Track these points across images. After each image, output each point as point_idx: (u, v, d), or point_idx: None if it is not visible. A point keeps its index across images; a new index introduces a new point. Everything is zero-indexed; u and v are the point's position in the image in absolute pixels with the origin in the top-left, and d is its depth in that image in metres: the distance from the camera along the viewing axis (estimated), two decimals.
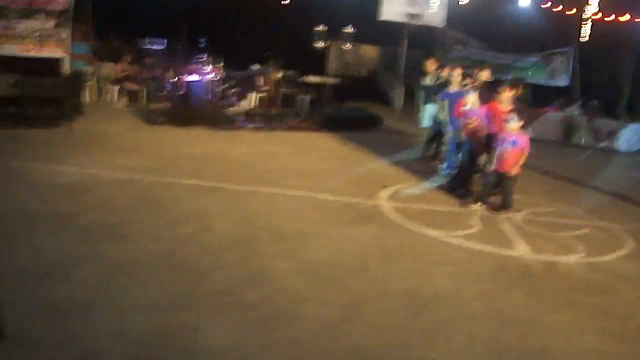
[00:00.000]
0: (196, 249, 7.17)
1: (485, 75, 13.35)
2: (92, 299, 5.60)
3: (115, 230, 7.50)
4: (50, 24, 14.92)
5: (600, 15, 19.99)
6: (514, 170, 10.09)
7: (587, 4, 15.69)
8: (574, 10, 21.27)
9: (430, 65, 14.62)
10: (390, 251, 7.88)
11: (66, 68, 15.39)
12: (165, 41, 21.41)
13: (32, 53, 14.85)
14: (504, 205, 10.29)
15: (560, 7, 21.47)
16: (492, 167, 10.21)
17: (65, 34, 15.02)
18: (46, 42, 14.96)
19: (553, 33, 26.15)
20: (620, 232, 9.98)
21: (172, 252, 6.96)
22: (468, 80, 12.41)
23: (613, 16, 19.48)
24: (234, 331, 5.30)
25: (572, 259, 8.39)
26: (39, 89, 13.96)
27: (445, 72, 13.82)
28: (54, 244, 6.91)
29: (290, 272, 6.75)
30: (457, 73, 12.88)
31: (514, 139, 10.02)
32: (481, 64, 26.43)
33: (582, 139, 22.07)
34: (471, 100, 11.32)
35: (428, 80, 14.44)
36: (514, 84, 11.90)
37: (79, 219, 7.84)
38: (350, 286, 6.57)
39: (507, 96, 11.00)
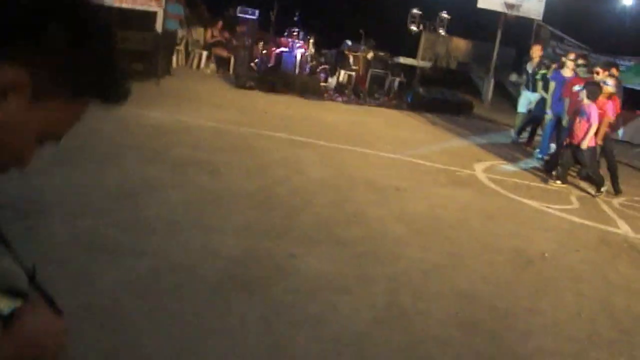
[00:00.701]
0: (289, 189, 6.85)
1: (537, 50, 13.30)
2: (180, 220, 5.34)
3: (206, 166, 7.22)
4: None
5: None
6: (586, 143, 9.57)
7: None
8: None
9: (536, 51, 14.15)
10: (491, 212, 7.43)
11: (159, 25, 15.14)
12: (257, 11, 21.17)
13: (125, 5, 14.62)
14: (593, 180, 9.80)
15: None
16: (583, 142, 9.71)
17: None
18: None
19: None
20: None
21: (263, 189, 6.65)
22: (581, 62, 11.83)
23: None
24: (331, 262, 4.96)
25: None
26: (128, 43, 13.81)
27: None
28: (143, 171, 6.69)
29: (388, 218, 6.38)
30: (571, 57, 12.46)
31: (584, 109, 9.57)
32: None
33: None
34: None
35: (530, 67, 13.97)
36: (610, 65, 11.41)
37: (168, 153, 7.62)
38: (451, 237, 6.17)
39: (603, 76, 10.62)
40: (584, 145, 9.58)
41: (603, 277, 5.93)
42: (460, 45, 29.49)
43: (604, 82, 10.16)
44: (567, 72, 11.98)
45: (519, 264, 5.81)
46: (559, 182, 9.90)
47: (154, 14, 14.93)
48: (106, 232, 4.81)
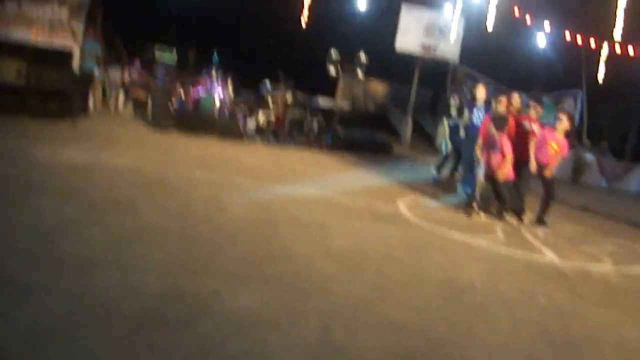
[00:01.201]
0: (212, 227, 6.61)
1: (481, 91, 13.11)
2: (98, 258, 5.07)
3: (125, 205, 6.95)
4: (64, 13, 14.37)
5: (619, 49, 19.57)
6: (502, 175, 9.74)
7: (611, 34, 15.24)
8: (593, 43, 20.84)
9: (455, 97, 14.29)
10: (417, 245, 7.37)
11: (76, 63, 14.82)
12: (175, 51, 21.02)
13: (42, 39, 14.28)
14: (514, 210, 10.05)
15: (580, 38, 21.01)
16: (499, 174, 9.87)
17: (76, 27, 14.44)
18: (57, 30, 14.38)
19: (565, 72, 26.12)
20: None
21: (185, 228, 6.41)
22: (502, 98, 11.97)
23: (632, 50, 19.03)
24: (259, 298, 4.76)
25: (602, 267, 8.04)
26: (44, 81, 13.48)
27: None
28: (59, 210, 6.38)
29: (315, 254, 6.20)
30: (481, 91, 12.67)
31: (495, 142, 9.84)
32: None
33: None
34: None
35: (450, 110, 14.14)
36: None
37: (85, 193, 7.33)
38: (379, 270, 6.04)
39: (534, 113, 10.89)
40: (500, 177, 9.71)
41: (535, 302, 5.93)
42: (378, 88, 29.80)
43: (559, 119, 10.48)
44: (478, 104, 12.26)
45: (450, 293, 5.72)
46: (482, 214, 9.98)
47: (70, 52, 14.60)
48: (20, 272, 4.52)
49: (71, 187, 7.55)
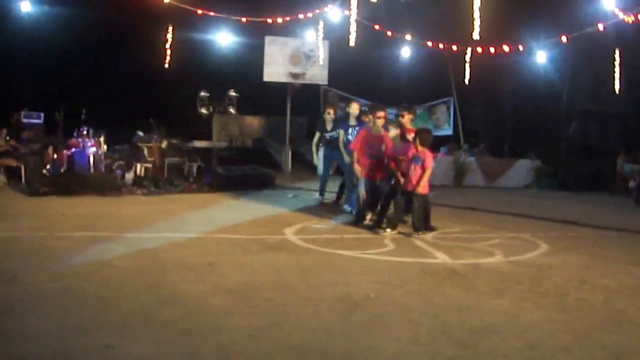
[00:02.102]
0: (97, 282, 6.47)
1: (355, 107, 13.91)
2: None
3: (2, 275, 6.68)
4: None
5: (480, 49, 20.33)
6: (419, 189, 9.91)
7: (470, 37, 15.84)
8: (455, 47, 21.56)
9: (329, 111, 14.47)
10: (307, 268, 7.44)
11: None
12: (43, 115, 20.49)
13: None
14: (415, 227, 10.10)
15: (441, 45, 21.70)
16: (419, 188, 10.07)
17: None
18: None
19: (434, 81, 26.89)
20: (531, 238, 10.34)
21: (69, 288, 6.22)
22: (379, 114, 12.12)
23: (493, 49, 19.79)
24: (152, 344, 4.69)
25: (493, 259, 8.41)
26: None
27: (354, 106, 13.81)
28: None
29: (204, 293, 6.17)
30: (355, 107, 12.94)
31: (419, 155, 9.95)
32: None
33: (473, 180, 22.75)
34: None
35: (325, 125, 14.30)
36: (407, 108, 11.89)
37: None
38: (271, 298, 6.06)
39: (408, 119, 11.08)
40: (419, 190, 9.87)
41: (432, 303, 6.10)
42: (253, 122, 29.92)
43: (387, 129, 11.11)
44: (351, 122, 12.86)
45: (345, 308, 5.80)
46: (389, 230, 10.13)
47: None
48: None
49: None
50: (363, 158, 11.13)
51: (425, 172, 9.92)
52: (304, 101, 26.48)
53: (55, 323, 5.12)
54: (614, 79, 19.93)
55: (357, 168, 11.22)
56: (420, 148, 10.09)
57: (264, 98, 26.52)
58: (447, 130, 28.34)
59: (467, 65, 22.15)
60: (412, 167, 10.07)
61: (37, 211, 11.95)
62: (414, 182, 9.99)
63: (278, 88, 25.01)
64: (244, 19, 19.05)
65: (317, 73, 24.13)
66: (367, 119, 12.49)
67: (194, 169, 19.98)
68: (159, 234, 9.60)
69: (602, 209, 17.01)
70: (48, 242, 8.64)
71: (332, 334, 5.05)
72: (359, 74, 26.80)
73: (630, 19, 14.53)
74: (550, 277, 7.46)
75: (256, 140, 29.40)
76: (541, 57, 22.38)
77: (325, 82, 25.39)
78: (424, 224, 10.22)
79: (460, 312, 5.79)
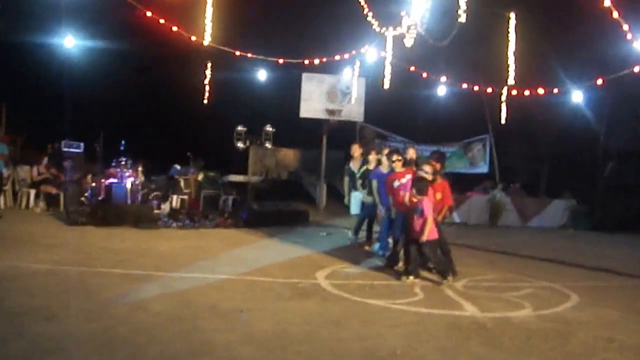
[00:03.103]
0: (131, 326, 6.64)
1: (411, 153, 13.27)
2: None
3: (43, 312, 6.92)
4: None
5: (515, 92, 20.45)
6: (425, 237, 10.04)
7: (505, 82, 16.00)
8: (490, 90, 21.71)
9: (355, 150, 14.71)
10: (337, 319, 7.52)
11: None
12: (83, 144, 20.98)
13: None
14: (439, 269, 10.24)
15: (477, 87, 21.87)
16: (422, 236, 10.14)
17: None
18: None
19: (472, 119, 26.94)
20: (562, 289, 10.20)
21: (105, 330, 6.43)
22: (395, 157, 12.22)
23: (528, 92, 19.89)
24: None
25: (522, 313, 8.37)
26: None
27: (372, 156, 13.83)
28: None
29: (235, 342, 6.31)
30: (385, 153, 12.97)
31: (417, 205, 10.18)
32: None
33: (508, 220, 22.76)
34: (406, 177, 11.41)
35: (353, 166, 14.45)
36: (438, 158, 11.98)
37: (2, 303, 7.29)
38: (301, 350, 6.17)
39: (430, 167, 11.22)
40: (424, 239, 9.96)
41: None
42: (289, 155, 30.21)
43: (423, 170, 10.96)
44: (384, 169, 12.58)
45: None
46: (411, 277, 10.18)
47: None
48: None
49: None
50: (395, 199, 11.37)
51: (426, 221, 10.01)
52: (339, 136, 26.67)
53: None
54: None
55: (394, 210, 11.41)
56: (418, 197, 10.21)
57: (300, 132, 26.77)
58: (483, 168, 28.39)
59: (504, 105, 22.24)
60: (415, 217, 10.20)
61: (76, 242, 12.30)
62: (418, 232, 10.11)
63: (314, 122, 25.28)
64: (280, 61, 19.29)
65: (353, 110, 24.38)
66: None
67: (230, 202, 20.25)
68: (193, 274, 9.81)
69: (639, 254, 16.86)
70: (86, 279, 8.90)
71: None
72: (395, 111, 26.98)
73: None
74: (578, 333, 7.43)
75: (291, 173, 29.65)
76: (578, 97, 22.38)
77: (361, 119, 25.65)
78: (448, 267, 10.34)
79: None
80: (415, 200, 10.30)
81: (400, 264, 11.02)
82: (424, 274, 10.55)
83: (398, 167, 11.86)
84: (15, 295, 7.67)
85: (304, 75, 23.97)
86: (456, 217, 22.19)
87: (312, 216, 19.99)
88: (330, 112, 24.24)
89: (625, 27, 13.14)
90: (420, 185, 10.38)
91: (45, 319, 6.69)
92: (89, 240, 12.74)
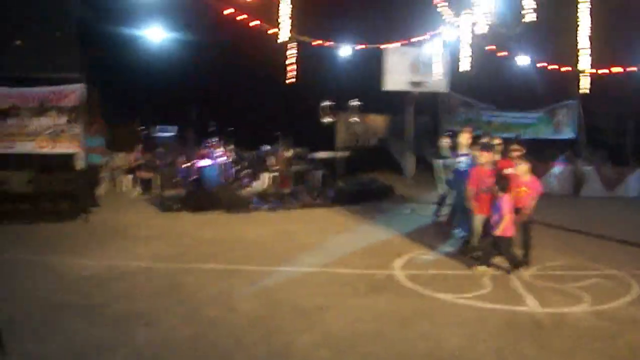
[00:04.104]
0: (221, 330, 7.47)
1: (465, 136, 13.44)
2: None
3: (142, 318, 7.83)
4: (63, 120, 15.26)
5: (594, 70, 20.47)
6: (503, 233, 10.45)
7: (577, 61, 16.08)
8: (570, 68, 21.78)
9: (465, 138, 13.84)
10: (405, 317, 8.17)
11: (80, 162, 15.75)
12: (176, 127, 21.98)
13: (46, 150, 15.25)
14: (512, 264, 10.65)
15: (557, 66, 21.98)
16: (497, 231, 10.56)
17: (78, 129, 15.31)
18: (60, 138, 15.26)
19: (554, 88, 26.75)
20: (627, 278, 10.39)
21: (198, 336, 7.27)
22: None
23: (607, 70, 19.96)
24: None
25: (579, 308, 8.73)
26: (53, 185, 14.51)
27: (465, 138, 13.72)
28: (86, 332, 7.29)
29: (312, 344, 7.05)
30: (464, 137, 13.22)
31: (497, 203, 10.55)
32: (486, 124, 27.31)
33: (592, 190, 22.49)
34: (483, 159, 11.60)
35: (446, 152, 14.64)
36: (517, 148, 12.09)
37: (107, 308, 8.23)
38: (370, 351, 6.88)
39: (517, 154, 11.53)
40: (498, 233, 10.40)
41: None
42: (377, 120, 30.47)
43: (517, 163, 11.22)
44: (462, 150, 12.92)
45: None
46: (484, 267, 10.66)
47: (74, 154, 15.52)
48: None
49: (93, 302, 8.46)
50: (475, 192, 11.57)
51: (503, 218, 10.41)
52: (424, 102, 26.83)
53: None
54: None
55: (472, 204, 11.68)
56: (499, 194, 10.58)
57: (387, 98, 26.98)
58: (569, 134, 28.11)
59: (587, 78, 22.15)
60: (495, 213, 10.59)
61: (170, 233, 13.37)
62: (495, 227, 10.53)
63: (398, 91, 25.48)
64: (362, 46, 19.81)
65: (438, 81, 24.38)
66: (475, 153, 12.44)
67: (319, 177, 20.90)
68: (279, 267, 10.61)
69: None
70: (181, 277, 9.82)
71: None
72: (479, 78, 26.97)
73: None
74: (626, 334, 7.72)
75: (380, 139, 29.97)
76: None
77: (446, 90, 25.67)
78: (520, 261, 10.79)
79: None
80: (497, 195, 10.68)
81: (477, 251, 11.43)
82: (496, 260, 10.94)
83: (483, 159, 11.70)
84: (118, 299, 8.61)
85: (387, 48, 24.08)
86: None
87: (399, 188, 20.53)
88: (415, 84, 24.34)
89: None
90: (503, 184, 10.77)
91: (145, 324, 7.60)
92: (183, 229, 13.73)
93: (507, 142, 12.85)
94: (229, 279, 9.76)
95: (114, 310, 8.15)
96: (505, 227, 10.42)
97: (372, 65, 24.58)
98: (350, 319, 7.99)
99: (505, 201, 10.47)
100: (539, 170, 20.86)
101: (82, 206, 14.72)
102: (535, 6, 13.12)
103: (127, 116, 22.70)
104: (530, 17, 13.22)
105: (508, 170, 11.20)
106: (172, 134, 22.19)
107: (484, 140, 12.70)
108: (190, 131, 21.55)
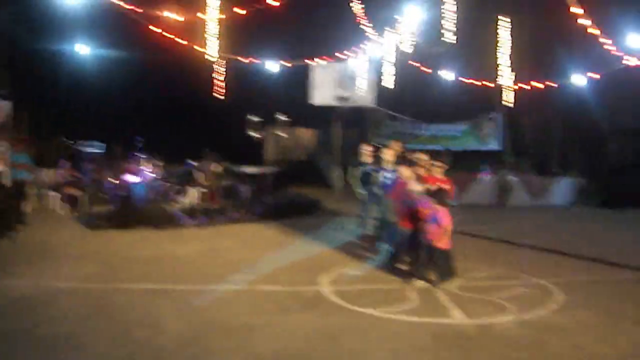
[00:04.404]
0: (150, 353, 7.53)
1: (396, 146, 13.98)
2: None
3: (73, 340, 7.81)
4: None
5: (517, 86, 21.28)
6: (439, 244, 10.80)
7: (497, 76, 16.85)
8: (493, 84, 22.55)
9: (393, 149, 14.44)
10: (333, 333, 8.35)
11: (6, 180, 15.60)
12: (103, 144, 21.94)
13: None
14: (445, 277, 10.99)
15: (480, 82, 22.73)
16: (424, 242, 10.92)
17: (3, 146, 15.19)
18: None
19: (480, 102, 27.57)
20: (552, 286, 10.95)
21: (129, 357, 7.32)
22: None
23: (529, 86, 20.77)
24: None
25: (505, 319, 9.10)
26: None
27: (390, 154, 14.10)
28: (11, 358, 7.25)
29: None
30: (387, 153, 13.59)
31: (434, 215, 10.87)
32: (413, 137, 27.97)
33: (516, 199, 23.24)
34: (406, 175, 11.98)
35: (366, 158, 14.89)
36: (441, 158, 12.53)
37: (35, 331, 8.15)
38: None
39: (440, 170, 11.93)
40: (439, 245, 10.76)
41: None
42: (306, 134, 30.98)
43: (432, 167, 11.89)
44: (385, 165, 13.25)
45: None
46: (419, 281, 10.99)
47: (0, 171, 15.39)
48: None
49: (16, 327, 8.34)
50: (399, 206, 11.87)
51: (442, 229, 10.77)
52: (352, 117, 27.34)
53: None
54: None
55: (396, 218, 11.98)
56: (437, 207, 10.94)
57: (314, 114, 27.43)
58: (494, 145, 28.98)
59: (512, 92, 22.96)
60: (430, 225, 10.91)
61: (98, 252, 13.31)
62: (432, 238, 10.86)
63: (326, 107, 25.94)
64: (289, 64, 20.16)
65: (363, 96, 24.92)
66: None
67: (247, 193, 21.08)
68: (207, 286, 10.70)
69: None
70: (109, 298, 9.82)
71: None
72: (405, 93, 27.56)
73: None
74: (550, 342, 8.14)
75: (309, 154, 30.35)
76: (582, 81, 22.96)
77: (372, 105, 26.26)
78: (452, 274, 11.13)
79: None
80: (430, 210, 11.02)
81: (403, 265, 11.75)
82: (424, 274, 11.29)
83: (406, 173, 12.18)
84: (46, 322, 8.56)
85: (314, 64, 24.50)
86: (465, 198, 22.87)
87: (327, 202, 20.82)
88: (341, 99, 24.85)
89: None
90: (440, 196, 11.12)
91: (74, 348, 7.59)
92: (112, 248, 13.73)
93: (436, 154, 13.36)
94: (159, 299, 9.80)
95: (43, 333, 8.11)
96: (445, 240, 10.82)
97: (300, 80, 24.98)
98: (279, 338, 8.14)
99: (444, 214, 10.82)
100: (464, 180, 21.62)
101: (9, 224, 14.55)
102: (454, 29, 13.61)
103: (54, 132, 22.54)
104: (449, 38, 13.71)
105: (446, 185, 11.62)
106: (99, 150, 22.07)
107: (408, 155, 13.08)
108: (118, 147, 21.45)
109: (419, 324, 8.83)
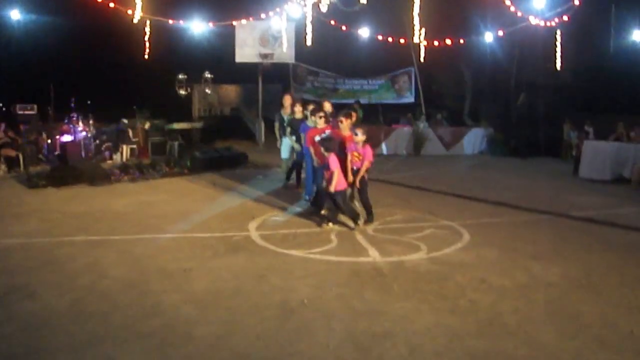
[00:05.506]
0: (98, 296, 8.29)
1: (327, 106, 14.74)
2: (17, 351, 6.62)
3: (24, 290, 8.45)
4: None
5: (426, 43, 22.35)
6: (333, 188, 11.82)
7: (412, 34, 17.88)
8: (404, 41, 23.64)
9: (287, 100, 16.28)
10: (261, 273, 9.26)
11: None
12: (36, 106, 22.31)
13: None
14: (350, 217, 12.10)
15: (391, 39, 23.85)
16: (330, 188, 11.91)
17: None
18: None
19: (396, 57, 28.55)
20: (459, 227, 12.22)
21: (77, 302, 8.02)
22: (319, 114, 13.38)
23: (437, 42, 21.89)
24: (144, 355, 6.46)
25: (416, 256, 10.19)
26: None
27: (297, 108, 15.28)
28: None
29: (180, 302, 8.02)
30: (310, 108, 14.32)
31: (326, 161, 11.95)
32: (333, 91, 28.96)
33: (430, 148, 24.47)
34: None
35: (284, 115, 15.92)
36: (347, 114, 13.33)
37: None
38: (230, 307, 7.88)
39: (346, 124, 12.73)
40: (331, 189, 11.70)
41: (350, 308, 7.76)
42: (231, 91, 31.63)
43: (355, 133, 12.28)
44: (309, 123, 13.86)
45: (283, 315, 7.51)
46: (331, 224, 12.01)
47: None
48: None
49: None
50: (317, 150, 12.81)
51: (333, 174, 11.78)
52: (275, 72, 28.19)
53: (70, 338, 6.90)
54: (555, 57, 21.78)
55: (316, 160, 13.01)
56: (325, 154, 11.98)
57: (239, 70, 28.16)
58: (409, 98, 30.20)
59: (423, 47, 23.98)
60: (325, 171, 12.01)
61: (39, 209, 13.86)
62: (327, 184, 11.91)
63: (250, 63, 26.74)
64: (211, 25, 20.92)
65: (285, 53, 25.83)
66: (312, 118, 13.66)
67: (175, 148, 21.76)
68: (144, 235, 11.56)
69: (541, 183, 19.08)
70: (54, 251, 10.48)
71: (270, 341, 6.79)
72: (324, 49, 28.42)
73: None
74: (456, 276, 9.16)
75: (234, 109, 31.10)
76: (490, 38, 24.15)
77: (292, 61, 27.23)
78: (357, 214, 12.21)
79: (370, 317, 7.45)
80: (325, 156, 12.04)
81: (324, 210, 12.75)
82: (342, 218, 12.40)
83: (320, 123, 13.27)
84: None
85: (237, 24, 25.28)
86: (384, 149, 24.02)
87: (252, 154, 21.76)
88: (263, 56, 25.81)
89: None
90: (327, 144, 12.10)
91: (27, 296, 8.26)
92: (51, 204, 14.32)
93: (349, 106, 14.41)
94: (100, 249, 10.52)
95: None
96: (337, 182, 11.77)
97: (226, 39, 25.70)
98: (212, 278, 9.01)
99: (332, 160, 11.80)
100: (384, 133, 22.71)
101: None
102: None
103: None
104: None
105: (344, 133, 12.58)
106: (33, 112, 22.42)
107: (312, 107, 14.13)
108: (51, 108, 21.87)
109: (339, 263, 9.80)
